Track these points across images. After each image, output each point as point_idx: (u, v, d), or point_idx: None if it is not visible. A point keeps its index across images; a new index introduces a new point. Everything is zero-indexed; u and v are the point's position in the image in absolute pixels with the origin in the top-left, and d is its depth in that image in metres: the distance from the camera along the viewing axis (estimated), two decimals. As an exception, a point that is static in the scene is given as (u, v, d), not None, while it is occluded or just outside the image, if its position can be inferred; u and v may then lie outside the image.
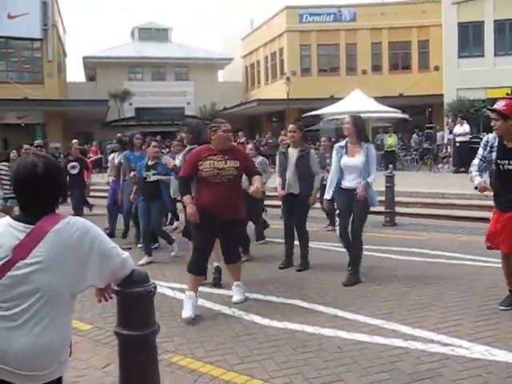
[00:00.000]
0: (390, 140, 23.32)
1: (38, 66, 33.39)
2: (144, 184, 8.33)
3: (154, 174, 8.25)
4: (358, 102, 23.31)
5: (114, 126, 37.35)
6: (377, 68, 36.42)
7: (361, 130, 6.68)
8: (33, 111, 31.64)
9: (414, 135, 27.44)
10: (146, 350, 2.79)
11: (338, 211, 6.82)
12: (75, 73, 62.51)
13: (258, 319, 5.46)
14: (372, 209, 6.84)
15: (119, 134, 28.39)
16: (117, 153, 11.04)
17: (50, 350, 2.36)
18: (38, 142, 11.15)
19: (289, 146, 7.60)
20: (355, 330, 5.02)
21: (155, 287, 2.76)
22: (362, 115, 23.27)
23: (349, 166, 6.59)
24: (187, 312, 5.55)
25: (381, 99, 25.53)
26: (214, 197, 5.69)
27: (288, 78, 31.30)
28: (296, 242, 7.71)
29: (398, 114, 25.77)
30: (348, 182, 6.62)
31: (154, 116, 40.43)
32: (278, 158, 7.80)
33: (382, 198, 11.42)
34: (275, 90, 35.59)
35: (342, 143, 6.77)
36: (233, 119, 38.67)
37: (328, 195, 6.84)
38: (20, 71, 33.36)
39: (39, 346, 2.32)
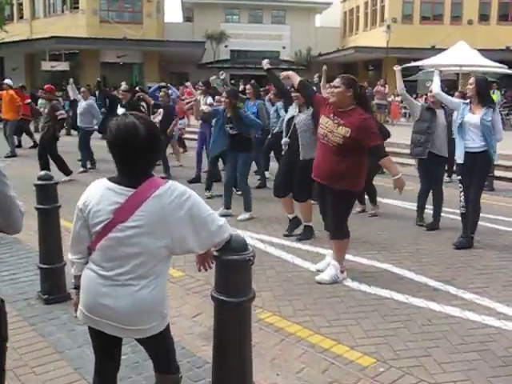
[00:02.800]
0: (494, 97, 22.02)
1: (138, 6, 33.91)
2: (228, 136, 8.00)
3: (231, 128, 7.90)
4: (461, 54, 22.08)
5: (209, 67, 37.62)
6: (484, 18, 34.30)
7: (484, 92, 6.57)
8: (131, 51, 32.32)
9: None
10: (240, 315, 2.84)
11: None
12: (173, 13, 62.84)
13: (346, 281, 5.44)
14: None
15: (214, 76, 28.76)
16: (201, 96, 11.13)
17: (152, 306, 2.49)
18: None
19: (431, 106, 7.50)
20: (446, 302, 4.91)
21: (254, 255, 2.78)
22: (464, 69, 22.10)
23: (472, 122, 6.48)
24: (318, 264, 5.84)
25: (486, 52, 24.08)
26: (319, 161, 5.45)
27: (388, 26, 30.18)
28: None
29: (504, 70, 24.27)
30: (471, 143, 6.51)
31: (248, 59, 40.32)
32: (420, 112, 7.58)
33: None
34: (374, 38, 34.42)
35: (467, 100, 6.70)
36: (328, 66, 38.12)
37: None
38: (120, 11, 34.00)
39: (141, 304, 2.44)
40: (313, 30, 42.70)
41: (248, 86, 10.58)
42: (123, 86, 11.72)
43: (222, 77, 11.88)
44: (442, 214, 7.69)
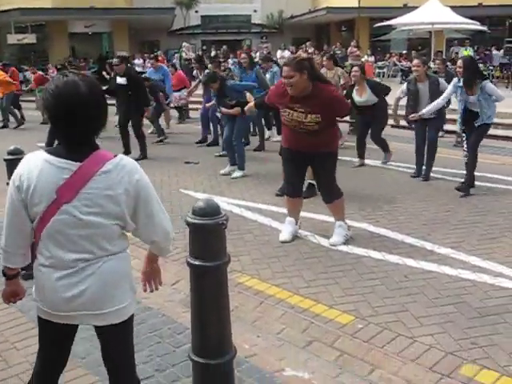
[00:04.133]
0: (466, 53, 22.15)
1: (105, -27, 32.99)
2: (229, 107, 8.36)
3: (230, 101, 8.28)
4: (432, 11, 22.02)
5: (179, 34, 37.05)
6: (456, -26, 34.01)
7: (473, 72, 7.07)
8: (99, 20, 31.56)
9: (495, 51, 25.79)
10: (216, 279, 2.85)
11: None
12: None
13: (324, 242, 5.48)
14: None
15: (184, 43, 28.39)
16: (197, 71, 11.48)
17: (119, 277, 2.27)
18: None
19: (416, 80, 7.88)
20: (422, 258, 4.98)
21: (227, 219, 2.77)
22: (436, 26, 22.02)
23: (471, 102, 7.11)
24: (283, 235, 5.57)
25: (458, 9, 24.00)
26: (296, 140, 5.26)
27: (359, -15, 29.79)
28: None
29: (476, 26, 24.27)
30: (473, 108, 7.16)
31: (220, 24, 39.78)
32: (405, 88, 8.01)
33: (454, 117, 11.00)
34: (346, -2, 34.04)
35: (460, 83, 7.17)
36: (301, 28, 37.98)
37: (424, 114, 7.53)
38: (87, -22, 33.08)
39: (108, 277, 2.23)
40: (284, -8, 42.11)
41: (243, 55, 10.77)
42: (115, 60, 11.34)
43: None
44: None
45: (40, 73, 17.42)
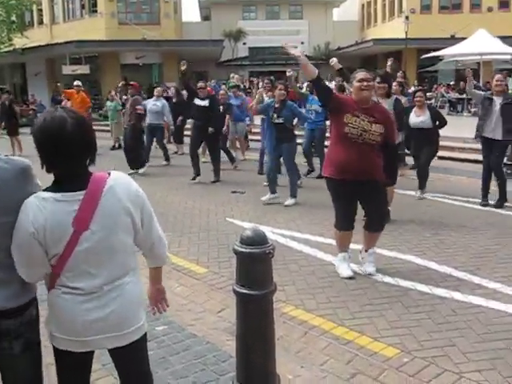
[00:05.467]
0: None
1: (155, 7, 33.95)
2: (273, 126, 8.64)
3: (277, 117, 8.49)
4: (481, 42, 21.85)
5: (227, 65, 37.72)
6: (504, 5, 33.70)
7: None
8: (150, 51, 32.44)
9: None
10: (262, 307, 2.89)
11: None
12: (190, 13, 62.86)
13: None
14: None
15: (233, 74, 28.81)
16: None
17: (137, 299, 2.36)
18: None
19: (492, 94, 8.16)
20: (470, 292, 4.88)
21: (274, 248, 2.81)
22: (485, 57, 21.78)
23: None
24: (346, 272, 5.34)
25: (507, 39, 23.75)
26: (350, 157, 5.04)
27: (407, 17, 29.84)
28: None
29: (527, 56, 23.89)
30: None
31: (267, 55, 40.34)
32: (482, 102, 8.27)
33: None
34: (392, 29, 34.09)
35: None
36: (347, 59, 37.94)
37: None
38: (138, 12, 34.13)
39: (131, 299, 2.31)
40: (331, 24, 42.49)
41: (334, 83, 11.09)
42: (200, 83, 11.54)
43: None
44: (464, 205, 8.07)
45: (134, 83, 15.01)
